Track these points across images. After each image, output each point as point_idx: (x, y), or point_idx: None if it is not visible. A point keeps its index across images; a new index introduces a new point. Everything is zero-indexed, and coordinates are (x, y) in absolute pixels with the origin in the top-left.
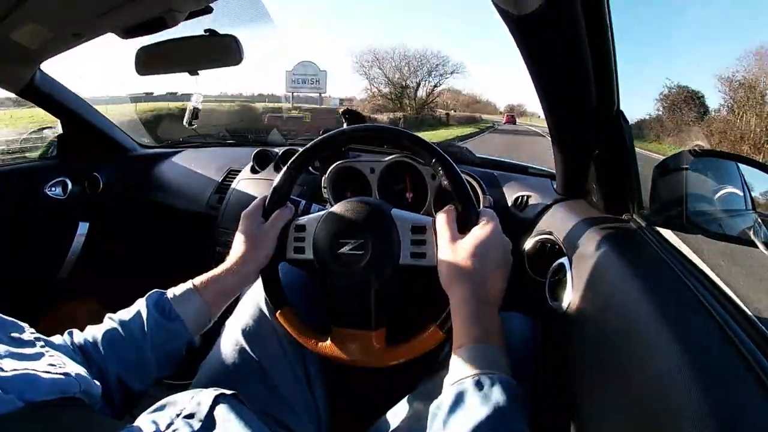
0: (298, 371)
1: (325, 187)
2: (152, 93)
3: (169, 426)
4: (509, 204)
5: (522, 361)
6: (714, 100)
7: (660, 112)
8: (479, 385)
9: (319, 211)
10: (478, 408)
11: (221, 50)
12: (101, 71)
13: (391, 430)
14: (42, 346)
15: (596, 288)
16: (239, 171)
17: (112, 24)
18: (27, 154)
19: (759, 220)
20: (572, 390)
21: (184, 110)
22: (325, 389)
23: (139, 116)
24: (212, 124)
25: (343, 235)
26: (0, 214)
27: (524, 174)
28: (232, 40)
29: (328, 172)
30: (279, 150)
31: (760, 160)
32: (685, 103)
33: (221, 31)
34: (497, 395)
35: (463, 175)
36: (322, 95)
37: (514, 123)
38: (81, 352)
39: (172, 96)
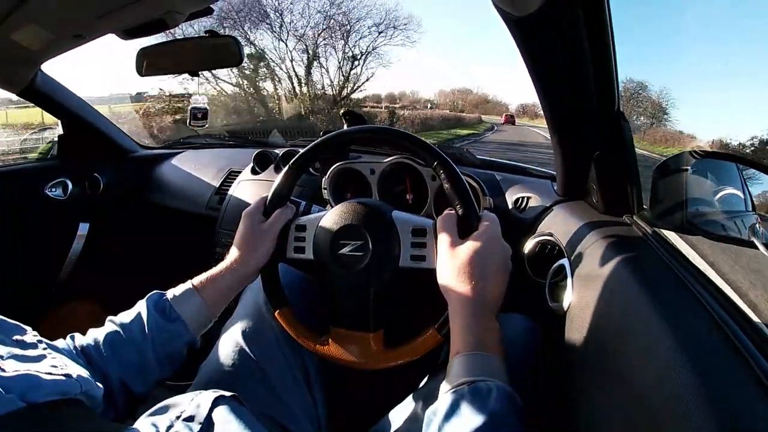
0: (297, 373)
1: (325, 188)
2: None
3: (168, 428)
4: (509, 205)
5: (522, 362)
6: None
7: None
8: (475, 393)
9: (319, 212)
10: (473, 416)
11: (221, 51)
12: (98, 72)
13: (389, 431)
14: (44, 348)
15: (596, 289)
16: (240, 172)
17: (112, 25)
18: (27, 155)
19: (759, 221)
20: (572, 391)
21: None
22: (324, 391)
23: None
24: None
25: (343, 236)
26: (0, 215)
27: (524, 175)
28: (232, 41)
29: (328, 173)
30: (279, 151)
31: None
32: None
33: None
34: (493, 403)
35: (463, 177)
36: None
37: (514, 123)
38: (83, 356)
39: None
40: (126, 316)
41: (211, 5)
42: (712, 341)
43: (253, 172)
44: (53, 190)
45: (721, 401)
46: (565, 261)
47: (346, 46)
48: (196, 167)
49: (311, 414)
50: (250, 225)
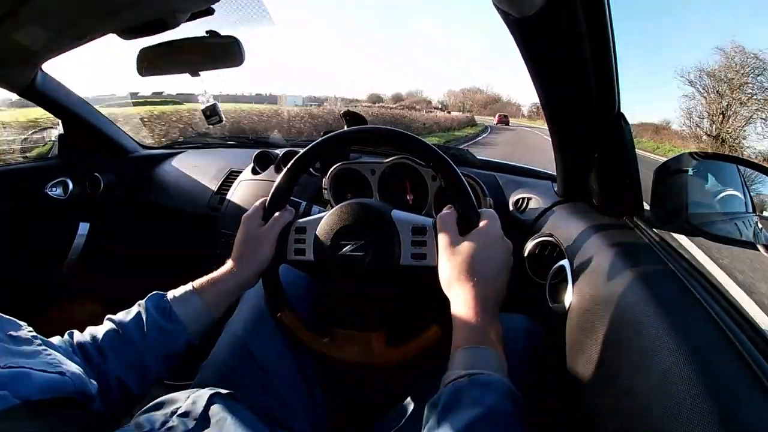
0: (297, 372)
1: (325, 189)
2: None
3: (164, 424)
4: (510, 206)
5: (523, 362)
6: None
7: None
8: (474, 385)
9: (319, 212)
10: (471, 407)
11: (223, 51)
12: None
13: (389, 431)
14: (39, 345)
15: (597, 290)
16: (240, 172)
17: (113, 25)
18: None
19: (759, 222)
20: (573, 391)
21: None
22: (324, 390)
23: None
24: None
25: (343, 236)
26: (1, 214)
27: (525, 176)
28: (233, 41)
29: (328, 173)
30: (280, 151)
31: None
32: None
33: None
34: (491, 396)
35: (463, 177)
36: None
37: (507, 124)
38: (81, 353)
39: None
40: (125, 315)
41: (212, 5)
42: (713, 342)
43: (254, 172)
44: (54, 189)
45: (722, 401)
46: (565, 262)
47: None
48: (197, 167)
49: (311, 412)
50: (249, 229)
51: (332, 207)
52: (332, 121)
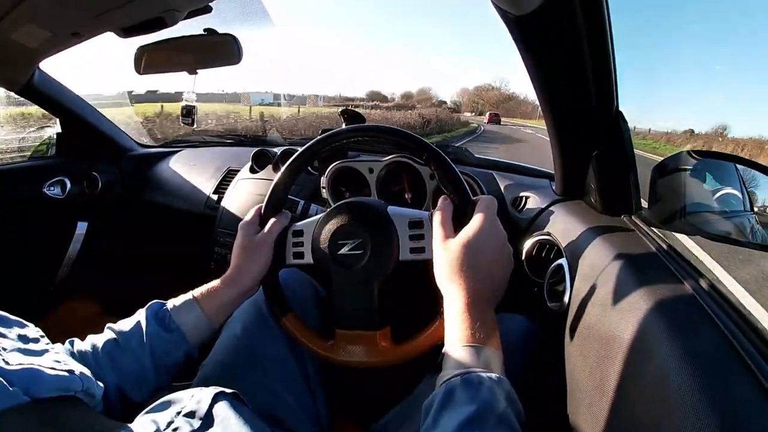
0: (297, 371)
1: (323, 187)
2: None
3: (169, 425)
4: (508, 205)
5: (520, 361)
6: None
7: None
8: (467, 383)
9: (318, 211)
10: (464, 406)
11: (220, 49)
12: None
13: (390, 430)
14: (47, 344)
15: (595, 289)
16: (238, 171)
17: (111, 23)
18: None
19: (757, 221)
20: (571, 391)
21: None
22: (325, 389)
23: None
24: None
25: (341, 236)
26: None
27: (523, 174)
28: (231, 39)
29: (326, 172)
30: (278, 150)
31: None
32: None
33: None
34: (485, 393)
35: (461, 176)
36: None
37: (499, 122)
38: (81, 361)
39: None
40: (125, 324)
41: (209, 3)
42: (711, 341)
43: (252, 170)
44: (52, 188)
45: (720, 400)
46: (563, 261)
47: None
48: (195, 166)
49: (312, 412)
50: (246, 237)
51: (330, 205)
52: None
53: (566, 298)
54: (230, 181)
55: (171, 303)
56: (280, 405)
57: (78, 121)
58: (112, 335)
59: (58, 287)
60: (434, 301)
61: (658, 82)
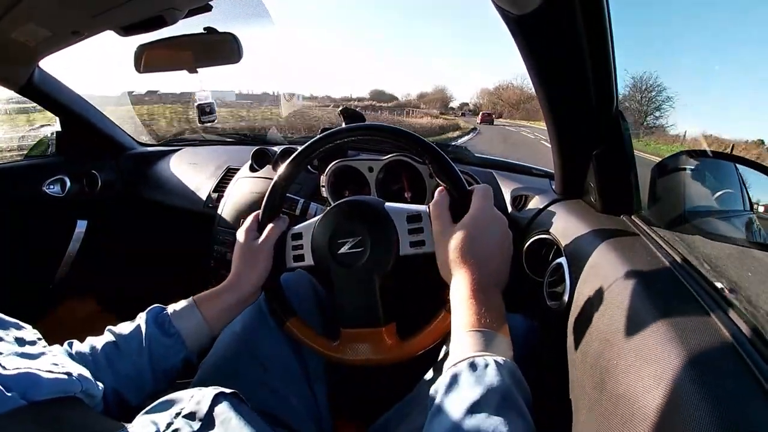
0: (298, 369)
1: (323, 186)
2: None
3: (169, 426)
4: (508, 204)
5: (520, 360)
6: None
7: None
8: (473, 367)
9: (317, 209)
10: (471, 389)
11: (220, 48)
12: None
13: (391, 428)
14: (44, 346)
15: (594, 288)
16: (238, 169)
17: (111, 22)
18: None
19: (757, 220)
20: (570, 390)
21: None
22: (325, 387)
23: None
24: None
25: (340, 235)
26: None
27: (523, 174)
28: (231, 38)
29: (326, 170)
30: (278, 148)
31: None
32: None
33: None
34: (491, 376)
35: (461, 175)
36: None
37: (492, 123)
38: (79, 363)
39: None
40: (125, 328)
41: (209, 2)
42: (711, 340)
43: (252, 169)
44: (51, 187)
45: (719, 399)
46: (563, 260)
47: None
48: (194, 164)
49: (312, 410)
50: (244, 244)
51: (330, 204)
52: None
53: (566, 297)
54: (230, 180)
55: (171, 308)
56: (281, 403)
57: (78, 119)
58: (111, 338)
59: (57, 286)
60: (438, 294)
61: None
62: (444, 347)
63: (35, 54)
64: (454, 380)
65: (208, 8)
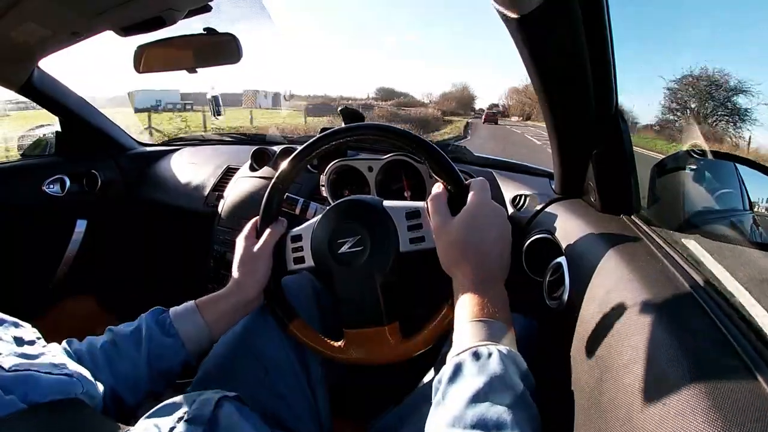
0: (298, 370)
1: (323, 186)
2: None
3: (171, 430)
4: (507, 203)
5: None
6: None
7: None
8: (476, 356)
9: (317, 209)
10: (473, 378)
11: (220, 48)
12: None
13: (393, 429)
14: (44, 346)
15: (594, 287)
16: (237, 169)
17: (110, 22)
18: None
19: (756, 220)
20: (569, 388)
21: None
22: (326, 387)
23: None
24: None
25: (340, 235)
26: None
27: (522, 173)
28: (230, 38)
29: (326, 170)
30: (277, 148)
31: None
32: None
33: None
34: (494, 365)
35: (461, 174)
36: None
37: (496, 123)
38: (77, 361)
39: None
40: (125, 328)
41: (209, 2)
42: (710, 340)
43: (251, 168)
44: (51, 186)
45: (720, 399)
46: (562, 259)
47: None
48: (194, 164)
49: (313, 411)
50: (244, 249)
51: (330, 204)
52: None
53: (565, 297)
54: (229, 180)
55: (172, 310)
56: (282, 404)
57: (77, 119)
58: (111, 337)
59: (57, 285)
60: (439, 290)
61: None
62: (444, 348)
63: (34, 54)
64: (457, 369)
65: (207, 9)
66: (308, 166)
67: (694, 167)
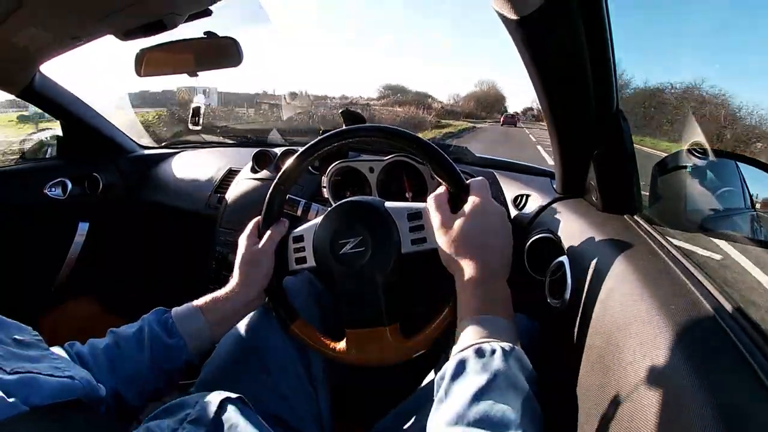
0: (300, 370)
1: (324, 187)
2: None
3: (174, 431)
4: (509, 203)
5: None
6: None
7: None
8: (479, 353)
9: (319, 210)
10: (477, 375)
11: (220, 52)
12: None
13: (393, 429)
14: (45, 349)
15: (595, 286)
16: (239, 171)
17: (111, 26)
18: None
19: (757, 218)
20: (571, 386)
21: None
22: (328, 388)
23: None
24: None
25: (341, 235)
26: (0, 215)
27: (523, 173)
28: (231, 41)
29: (327, 171)
30: (278, 150)
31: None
32: None
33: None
34: (497, 362)
35: (462, 175)
36: None
37: (515, 125)
38: (79, 363)
39: None
40: (128, 329)
41: (210, 7)
42: (711, 339)
43: (253, 170)
44: (53, 189)
45: (721, 398)
46: (564, 258)
47: None
48: (196, 166)
49: (315, 412)
50: (246, 249)
51: (332, 205)
52: None
53: (567, 296)
54: (231, 181)
55: (174, 311)
56: (284, 405)
57: (79, 122)
58: (113, 338)
59: (58, 288)
60: (440, 291)
61: None
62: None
63: (36, 58)
64: (460, 366)
65: (208, 13)
66: (310, 167)
67: (696, 166)
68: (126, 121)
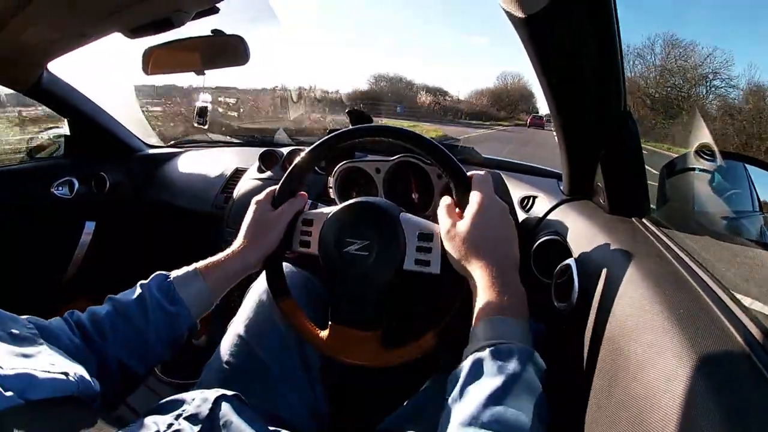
0: (300, 370)
1: (331, 187)
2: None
3: (170, 426)
4: (515, 204)
5: None
6: None
7: None
8: (495, 354)
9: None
10: (492, 377)
11: (228, 50)
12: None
13: (393, 429)
14: (41, 344)
15: (602, 290)
16: (245, 171)
17: (118, 24)
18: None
19: (766, 221)
20: (578, 391)
21: None
22: (327, 390)
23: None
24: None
25: (350, 234)
26: (7, 214)
27: (530, 174)
28: (238, 39)
29: (334, 171)
30: (285, 150)
31: None
32: None
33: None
34: (513, 364)
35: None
36: None
37: (543, 128)
38: (80, 334)
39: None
40: (127, 296)
41: (217, 4)
42: (721, 342)
43: (259, 170)
44: (60, 188)
45: (728, 401)
46: (571, 261)
47: None
48: (202, 166)
49: (314, 412)
50: (258, 213)
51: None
52: None
53: (574, 299)
54: (237, 181)
55: (173, 275)
56: (283, 405)
57: (86, 121)
58: (114, 306)
59: (65, 286)
60: (429, 313)
61: None
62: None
63: (43, 56)
64: (476, 366)
65: (215, 11)
66: (316, 168)
67: (703, 168)
68: (133, 120)
